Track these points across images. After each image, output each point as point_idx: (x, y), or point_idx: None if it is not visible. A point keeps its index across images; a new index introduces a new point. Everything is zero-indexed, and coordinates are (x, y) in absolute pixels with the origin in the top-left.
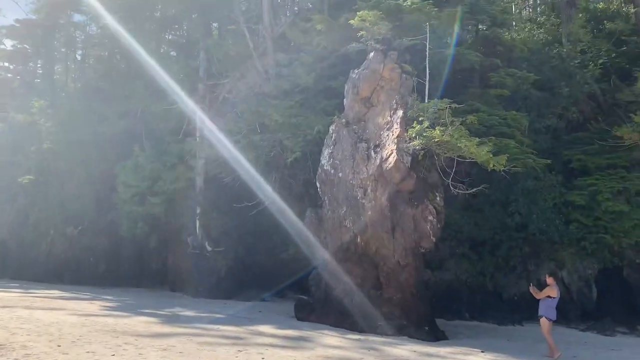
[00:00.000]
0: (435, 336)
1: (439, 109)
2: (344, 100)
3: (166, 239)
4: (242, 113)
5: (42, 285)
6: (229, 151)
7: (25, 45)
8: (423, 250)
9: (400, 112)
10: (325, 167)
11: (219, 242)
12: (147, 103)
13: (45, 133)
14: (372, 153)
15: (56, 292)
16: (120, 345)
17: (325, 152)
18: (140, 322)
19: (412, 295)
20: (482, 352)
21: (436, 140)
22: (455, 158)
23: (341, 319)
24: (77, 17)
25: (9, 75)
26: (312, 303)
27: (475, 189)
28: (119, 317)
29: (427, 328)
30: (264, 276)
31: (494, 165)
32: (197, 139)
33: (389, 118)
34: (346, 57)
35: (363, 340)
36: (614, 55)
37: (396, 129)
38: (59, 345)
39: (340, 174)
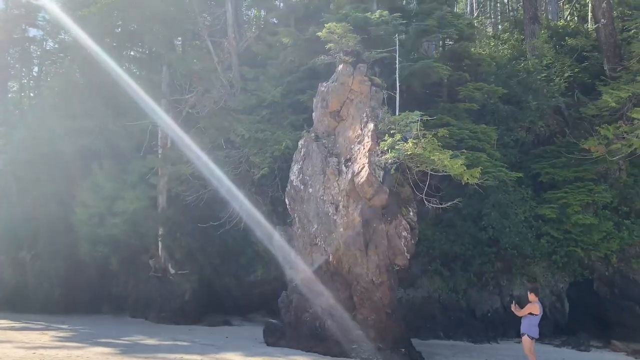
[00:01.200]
0: (412, 358)
1: (410, 122)
2: (313, 114)
3: (127, 261)
4: (207, 129)
5: None
6: (202, 163)
7: None
8: (397, 268)
9: (371, 125)
10: (294, 183)
11: (183, 264)
12: (107, 120)
13: None
14: (343, 167)
15: (5, 322)
16: None
17: (295, 167)
18: (96, 354)
19: (387, 316)
20: None
21: (408, 153)
22: (429, 172)
23: (313, 343)
24: (33, 32)
25: None
26: (282, 327)
27: (449, 203)
28: (72, 348)
29: (403, 350)
30: (231, 299)
31: (467, 179)
32: (160, 155)
33: (359, 131)
34: (314, 71)
35: None
36: (576, 70)
37: (367, 143)
38: None
39: (310, 190)
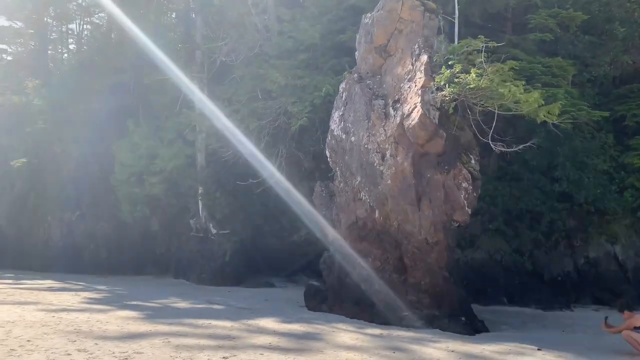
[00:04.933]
0: (474, 328)
1: (472, 50)
2: (356, 53)
3: (168, 222)
4: (242, 78)
5: (38, 275)
6: (226, 127)
7: (15, 22)
8: (456, 225)
9: (424, 58)
10: (335, 133)
11: (224, 224)
12: (141, 75)
13: (38, 113)
14: (391, 110)
15: (48, 283)
16: (70, 353)
17: (335, 115)
18: (117, 319)
19: (444, 279)
20: (538, 349)
21: (471, 86)
22: (495, 110)
23: (358, 309)
24: None
25: (3, 55)
26: (324, 290)
27: (521, 146)
28: (96, 311)
29: (463, 318)
30: (273, 260)
31: (544, 116)
32: (197, 110)
33: (410, 66)
34: (356, 7)
35: (385, 337)
36: None
37: (420, 78)
38: None
39: (353, 139)
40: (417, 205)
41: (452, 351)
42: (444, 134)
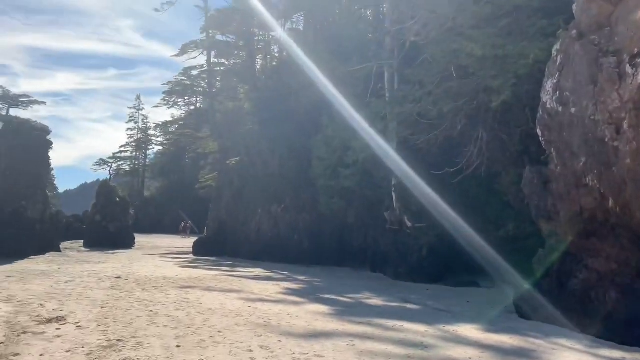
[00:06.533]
0: None
1: None
2: (573, 6)
3: (364, 214)
4: (433, 57)
5: (251, 263)
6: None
7: (228, 36)
8: None
9: None
10: (548, 106)
11: (420, 216)
12: (333, 67)
13: (247, 115)
14: (628, 68)
15: (256, 271)
16: (252, 350)
17: (548, 84)
18: (307, 313)
19: None
20: None
21: None
22: None
23: (586, 321)
24: None
25: (222, 68)
26: (539, 294)
27: None
28: (289, 303)
29: None
30: (477, 257)
31: None
32: (387, 99)
33: None
34: None
35: None
36: None
37: None
38: (179, 346)
39: (573, 110)
40: None
41: None
42: None
